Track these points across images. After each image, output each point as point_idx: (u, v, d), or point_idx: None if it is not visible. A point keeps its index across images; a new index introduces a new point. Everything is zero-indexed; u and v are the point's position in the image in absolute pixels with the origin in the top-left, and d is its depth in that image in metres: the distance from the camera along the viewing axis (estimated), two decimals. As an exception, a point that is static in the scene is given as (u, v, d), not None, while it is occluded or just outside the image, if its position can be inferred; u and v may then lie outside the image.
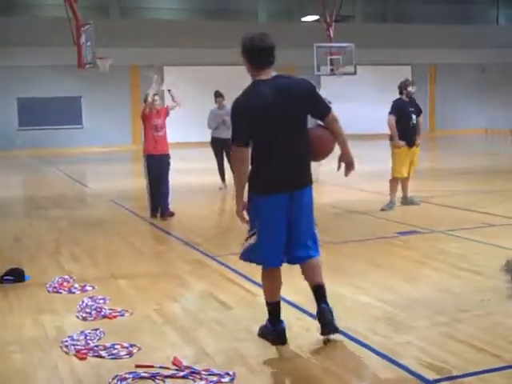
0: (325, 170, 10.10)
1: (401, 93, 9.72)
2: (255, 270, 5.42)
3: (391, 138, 9.72)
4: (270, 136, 4.17)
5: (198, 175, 15.61)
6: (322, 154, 4.39)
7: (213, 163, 13.06)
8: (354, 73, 23.96)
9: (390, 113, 9.63)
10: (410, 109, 9.63)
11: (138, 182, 16.11)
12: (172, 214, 9.57)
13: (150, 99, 9.43)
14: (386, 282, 5.76)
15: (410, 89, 9.60)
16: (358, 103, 30.78)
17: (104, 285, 5.91)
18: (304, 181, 4.30)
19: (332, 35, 23.99)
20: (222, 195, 12.35)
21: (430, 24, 32.76)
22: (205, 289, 5.73)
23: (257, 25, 30.63)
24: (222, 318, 4.95)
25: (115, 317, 4.99)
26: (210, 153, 13.23)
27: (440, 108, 32.50)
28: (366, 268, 6.32)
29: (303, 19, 32.06)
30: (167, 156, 9.61)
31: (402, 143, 9.56)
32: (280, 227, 4.23)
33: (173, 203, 9.89)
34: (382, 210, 9.58)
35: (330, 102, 12.11)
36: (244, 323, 4.81)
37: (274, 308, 4.44)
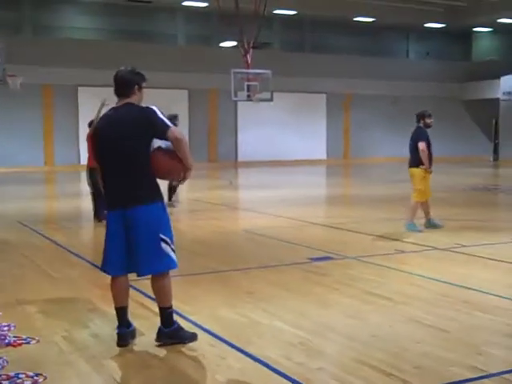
0: (240, 196, 10.09)
1: (418, 121, 10.25)
2: (169, 296, 5.32)
3: (420, 164, 9.97)
4: (103, 156, 4.77)
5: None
6: (159, 173, 4.71)
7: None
8: (271, 99, 24.28)
9: (422, 140, 9.98)
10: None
11: (48, 204, 15.69)
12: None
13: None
14: (300, 308, 5.78)
15: (428, 120, 10.16)
16: (275, 129, 31.21)
17: (9, 311, 5.65)
18: (136, 200, 4.65)
19: (249, 61, 24.27)
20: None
21: (346, 55, 33.74)
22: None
23: (176, 48, 30.69)
24: (133, 345, 4.82)
25: (20, 344, 4.77)
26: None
27: (354, 136, 33.37)
28: (280, 293, 6.32)
29: (222, 44, 32.33)
30: None
31: (431, 169, 10.04)
32: (117, 240, 4.71)
33: (86, 226, 9.63)
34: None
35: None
36: (155, 350, 4.70)
37: (117, 312, 4.86)
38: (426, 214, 10.33)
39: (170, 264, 4.76)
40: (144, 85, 4.89)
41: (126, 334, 4.81)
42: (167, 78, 27.62)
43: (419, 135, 10.12)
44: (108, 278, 4.80)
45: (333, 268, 7.52)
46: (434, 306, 5.84)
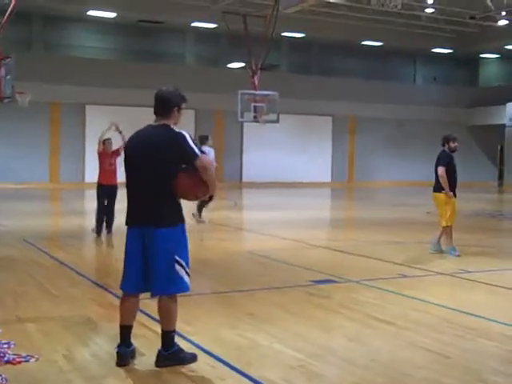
0: (244, 217, 10.09)
1: (443, 145, 10.10)
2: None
3: (442, 189, 9.92)
4: (129, 173, 4.82)
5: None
6: (181, 194, 4.72)
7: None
8: (277, 121, 24.37)
9: (442, 164, 9.88)
10: (454, 161, 10.01)
11: (52, 221, 15.73)
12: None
13: (101, 144, 11.87)
14: (301, 331, 5.75)
15: (452, 144, 9.98)
16: (280, 151, 31.28)
17: (9, 328, 5.64)
18: (156, 221, 4.65)
19: (257, 83, 24.41)
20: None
21: (353, 78, 33.90)
22: (118, 334, 5.53)
23: (184, 68, 30.89)
24: (133, 365, 4.80)
25: (20, 362, 4.75)
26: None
27: (359, 159, 33.42)
28: (281, 316, 6.30)
29: (230, 65, 32.54)
30: (115, 186, 11.71)
31: (451, 194, 9.87)
32: (134, 259, 4.73)
33: (89, 244, 9.62)
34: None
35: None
36: (154, 370, 4.68)
37: (121, 330, 4.85)
38: (440, 238, 10.27)
39: (182, 287, 4.75)
40: (184, 106, 4.85)
41: (126, 353, 4.79)
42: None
43: (441, 159, 10.03)
44: (110, 297, 4.80)
45: (335, 291, 7.49)
46: (436, 331, 5.80)
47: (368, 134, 33.56)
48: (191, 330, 5.65)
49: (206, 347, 5.13)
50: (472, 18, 30.91)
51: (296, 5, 24.78)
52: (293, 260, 9.59)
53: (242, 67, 29.36)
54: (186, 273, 4.75)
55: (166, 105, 4.78)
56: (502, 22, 30.87)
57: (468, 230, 14.08)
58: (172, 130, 4.74)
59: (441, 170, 9.88)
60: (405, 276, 8.44)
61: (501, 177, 34.41)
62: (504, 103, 33.57)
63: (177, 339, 4.91)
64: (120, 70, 28.12)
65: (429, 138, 34.31)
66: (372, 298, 7.14)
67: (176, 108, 4.81)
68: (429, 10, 29.68)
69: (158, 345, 4.83)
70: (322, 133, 32.60)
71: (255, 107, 23.70)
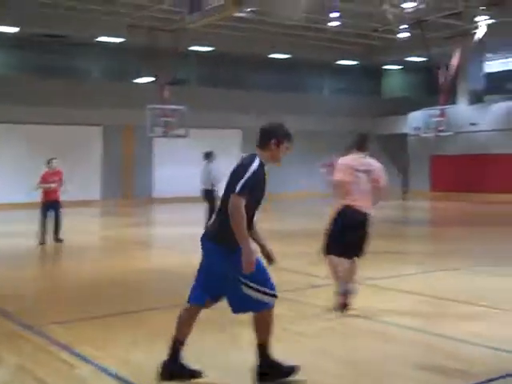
0: (154, 233, 9.98)
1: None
2: (75, 339, 5.18)
3: None
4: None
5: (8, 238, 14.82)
6: None
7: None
8: (186, 135, 24.31)
9: None
10: None
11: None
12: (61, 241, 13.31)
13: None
14: (208, 347, 5.73)
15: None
16: (191, 166, 31.10)
17: None
18: (209, 236, 4.74)
19: (166, 97, 24.25)
20: (36, 259, 11.91)
21: (262, 91, 34.27)
22: (18, 363, 5.34)
23: (90, 84, 30.31)
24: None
25: None
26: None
27: (270, 171, 33.60)
28: (194, 333, 6.25)
29: (137, 80, 32.23)
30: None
31: None
32: (200, 269, 4.93)
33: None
34: None
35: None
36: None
37: (174, 344, 4.89)
38: None
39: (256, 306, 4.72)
40: (286, 144, 4.95)
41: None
42: (81, 114, 27.24)
43: None
44: (9, 325, 4.63)
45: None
46: (344, 338, 5.94)
47: (279, 145, 33.95)
48: (99, 354, 5.51)
49: (113, 370, 5.03)
50: (375, 31, 31.95)
51: (202, 19, 24.80)
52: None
53: (151, 82, 29.17)
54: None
55: (262, 135, 4.88)
56: (403, 35, 32.07)
57: (373, 236, 14.38)
58: (251, 158, 4.77)
59: None
60: (316, 286, 8.56)
61: (405, 184, 35.59)
62: (407, 113, 34.84)
63: (84, 364, 4.79)
64: (23, 86, 27.29)
65: (337, 148, 35.17)
66: (283, 309, 7.18)
67: (274, 141, 4.87)
68: (334, 24, 30.44)
69: (66, 375, 4.70)
70: (232, 146, 32.73)
71: (164, 122, 23.57)
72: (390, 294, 8.09)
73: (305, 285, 8.70)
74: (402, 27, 30.76)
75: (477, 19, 28.62)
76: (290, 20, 16.96)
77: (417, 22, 29.31)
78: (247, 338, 5.23)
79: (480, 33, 29.24)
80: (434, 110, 31.52)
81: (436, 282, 9.07)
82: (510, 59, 37.95)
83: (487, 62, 36.04)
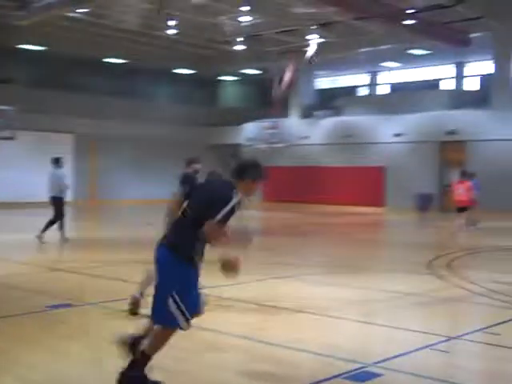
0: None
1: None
2: None
3: None
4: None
5: None
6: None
7: None
8: (13, 138, 23.06)
9: None
10: None
11: None
12: None
13: None
14: (33, 360, 5.40)
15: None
16: (19, 170, 29.60)
17: None
18: (167, 246, 4.91)
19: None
20: None
21: (96, 95, 33.36)
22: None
23: None
24: None
25: None
26: None
27: (102, 178, 32.84)
28: (10, 346, 5.85)
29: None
30: None
31: None
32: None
33: None
34: None
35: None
36: None
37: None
38: None
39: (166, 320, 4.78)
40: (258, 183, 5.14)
41: None
42: None
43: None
44: None
45: (71, 316, 7.20)
46: (171, 348, 5.81)
47: (111, 151, 33.21)
48: None
49: None
50: (211, 41, 32.34)
51: (32, 16, 23.72)
52: (28, 285, 9.06)
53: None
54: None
55: (242, 171, 5.17)
56: (240, 47, 32.76)
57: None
58: (231, 188, 4.99)
59: None
60: (147, 295, 8.36)
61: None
62: (242, 124, 35.60)
63: None
64: None
65: (171, 156, 35.09)
66: (109, 319, 6.97)
67: (250, 179, 5.11)
68: (171, 32, 30.40)
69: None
70: (63, 150, 31.49)
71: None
72: (221, 302, 8.10)
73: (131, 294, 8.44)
74: (238, 40, 31.43)
75: (309, 37, 29.93)
76: (125, 24, 16.68)
77: (253, 35, 30.11)
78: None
79: (311, 50, 30.59)
80: (268, 122, 32.49)
81: (266, 289, 9.24)
82: (337, 77, 40.09)
83: (318, 79, 37.83)
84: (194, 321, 6.79)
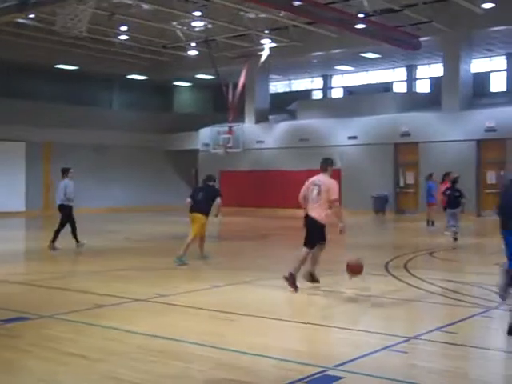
0: None
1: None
2: None
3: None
4: None
5: None
6: None
7: None
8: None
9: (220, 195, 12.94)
10: None
11: None
12: None
13: None
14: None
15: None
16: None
17: None
18: None
19: None
20: None
21: (47, 102, 32.84)
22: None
23: None
24: None
25: None
26: None
27: (56, 187, 32.27)
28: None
29: None
30: None
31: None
32: None
33: None
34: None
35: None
36: None
37: None
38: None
39: None
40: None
41: None
42: None
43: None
44: None
45: (26, 329, 7.02)
46: (130, 359, 5.74)
47: (66, 159, 32.61)
48: None
49: None
50: (164, 47, 32.18)
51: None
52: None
53: None
54: None
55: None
56: (193, 53, 32.67)
57: (160, 253, 14.32)
58: None
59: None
60: (101, 306, 8.25)
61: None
62: (197, 129, 35.46)
63: None
64: None
65: (127, 163, 34.75)
66: (65, 332, 6.84)
67: None
68: (123, 37, 30.14)
69: None
70: (15, 159, 30.90)
71: None
72: (180, 310, 8.04)
73: (88, 305, 8.31)
74: (191, 45, 31.36)
75: (262, 42, 30.04)
76: (74, 31, 16.43)
77: (205, 40, 30.06)
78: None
79: (264, 55, 30.71)
80: (223, 127, 32.45)
81: (225, 295, 9.19)
82: (291, 81, 40.32)
83: (272, 83, 37.95)
84: (149, 330, 6.75)
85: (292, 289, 9.09)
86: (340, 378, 5.16)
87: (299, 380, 5.11)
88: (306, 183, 9.47)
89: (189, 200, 12.54)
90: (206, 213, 12.42)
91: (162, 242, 17.56)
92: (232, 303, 8.46)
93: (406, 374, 5.38)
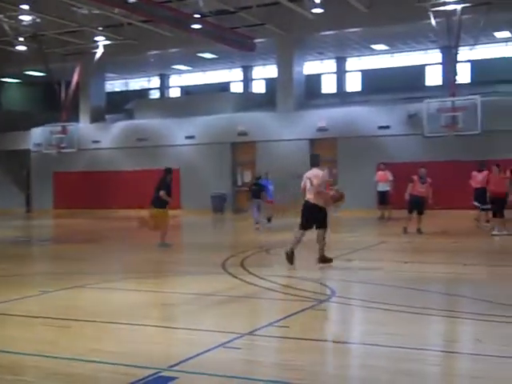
0: None
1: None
2: None
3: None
4: None
5: None
6: None
7: None
8: None
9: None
10: None
11: None
12: None
13: None
14: None
15: None
16: None
17: None
18: None
19: None
20: None
21: None
22: None
23: None
24: None
25: None
26: None
27: None
28: None
29: None
30: None
31: None
32: None
33: None
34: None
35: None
36: None
37: None
38: None
39: None
40: None
41: None
42: None
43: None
44: None
45: None
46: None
47: None
48: None
49: None
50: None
51: None
52: None
53: None
54: None
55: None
56: (21, 48, 31.09)
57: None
58: None
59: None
60: None
61: (28, 202, 34.46)
62: (29, 128, 33.81)
63: None
64: None
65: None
66: None
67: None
68: None
69: None
70: None
71: None
72: (11, 319, 7.57)
73: None
74: (19, 39, 29.87)
75: (96, 39, 29.27)
76: None
77: (34, 35, 28.77)
78: None
79: (99, 52, 29.97)
80: (56, 127, 31.27)
81: (56, 301, 8.80)
82: (128, 80, 39.72)
83: (109, 82, 37.12)
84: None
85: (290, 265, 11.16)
86: (174, 378, 5.10)
87: (132, 383, 4.98)
88: (304, 177, 11.53)
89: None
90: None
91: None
92: (64, 308, 8.14)
93: (240, 369, 5.43)
